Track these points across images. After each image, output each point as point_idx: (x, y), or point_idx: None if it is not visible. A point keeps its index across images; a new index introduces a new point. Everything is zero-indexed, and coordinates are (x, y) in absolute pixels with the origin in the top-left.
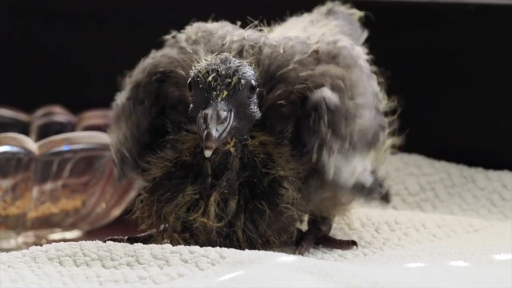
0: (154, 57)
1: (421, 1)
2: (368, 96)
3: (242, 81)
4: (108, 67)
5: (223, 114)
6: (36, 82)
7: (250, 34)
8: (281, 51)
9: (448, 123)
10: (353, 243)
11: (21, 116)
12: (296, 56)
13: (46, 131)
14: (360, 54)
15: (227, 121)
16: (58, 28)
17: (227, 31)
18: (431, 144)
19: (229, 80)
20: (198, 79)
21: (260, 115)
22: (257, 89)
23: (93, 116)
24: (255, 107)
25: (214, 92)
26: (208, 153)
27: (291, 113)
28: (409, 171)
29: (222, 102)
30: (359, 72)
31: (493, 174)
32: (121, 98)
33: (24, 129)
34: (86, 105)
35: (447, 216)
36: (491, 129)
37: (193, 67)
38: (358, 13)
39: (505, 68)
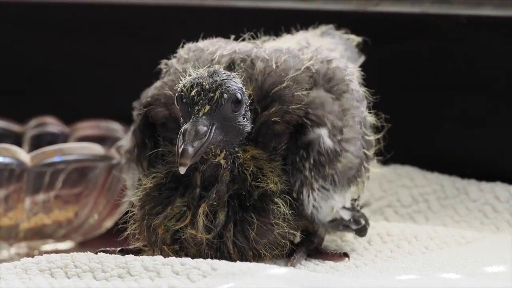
0: (149, 91)
1: (412, 12)
2: (356, 126)
3: (225, 95)
4: (101, 78)
5: (202, 129)
6: (29, 93)
7: (241, 47)
8: (274, 66)
9: (441, 134)
10: (345, 255)
11: (13, 126)
12: (290, 73)
13: (38, 141)
14: (353, 75)
15: (206, 137)
16: (51, 38)
17: (218, 47)
18: (423, 156)
19: (212, 94)
20: (182, 93)
21: (250, 127)
22: (246, 102)
23: (86, 127)
24: (244, 120)
25: (196, 107)
26: (182, 170)
27: (284, 131)
28: (402, 182)
29: (204, 117)
30: (349, 98)
31: (486, 186)
32: (127, 145)
33: (16, 139)
34: (79, 115)
35: (439, 228)
36: (484, 141)
37: (180, 82)
38: (356, 39)
39: (497, 79)
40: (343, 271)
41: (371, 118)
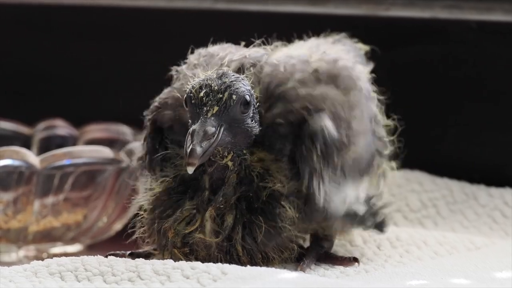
0: (159, 97)
1: (423, 17)
2: (365, 121)
3: (234, 97)
4: (111, 81)
5: (211, 130)
6: (38, 95)
7: (252, 53)
8: (282, 69)
9: (450, 139)
10: (354, 260)
11: (22, 129)
12: (296, 75)
13: (47, 144)
14: (361, 74)
15: (215, 137)
16: (62, 41)
17: (229, 52)
18: (433, 161)
19: (221, 95)
20: (191, 94)
21: (258, 129)
22: (254, 104)
23: (95, 130)
24: (253, 122)
25: (205, 108)
26: (190, 170)
27: (289, 132)
28: (411, 187)
29: (212, 118)
30: (358, 95)
31: (495, 191)
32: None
33: (25, 142)
34: (88, 118)
35: (448, 234)
36: (493, 146)
37: (189, 83)
38: (364, 47)
39: (506, 84)
40: (353, 276)
41: (383, 118)
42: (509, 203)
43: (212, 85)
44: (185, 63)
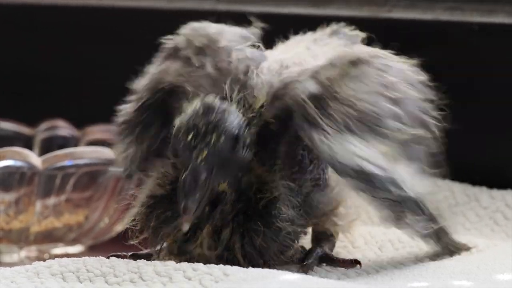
0: (157, 71)
1: (424, 19)
2: (372, 83)
3: (222, 138)
4: (112, 81)
5: (202, 178)
6: (39, 96)
7: (253, 51)
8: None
9: (452, 141)
10: (356, 262)
11: (24, 129)
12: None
13: (49, 145)
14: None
15: (206, 185)
16: (63, 42)
17: (229, 41)
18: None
19: (209, 138)
20: (180, 136)
21: (251, 155)
22: (243, 133)
23: (96, 131)
24: (244, 150)
25: (194, 153)
26: (186, 227)
27: (281, 130)
28: None
29: (202, 163)
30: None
31: (497, 193)
32: (126, 115)
33: (27, 143)
34: (90, 119)
35: None
36: (495, 148)
37: (176, 118)
38: (361, 35)
39: (508, 87)
40: (354, 278)
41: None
42: (510, 205)
43: (199, 125)
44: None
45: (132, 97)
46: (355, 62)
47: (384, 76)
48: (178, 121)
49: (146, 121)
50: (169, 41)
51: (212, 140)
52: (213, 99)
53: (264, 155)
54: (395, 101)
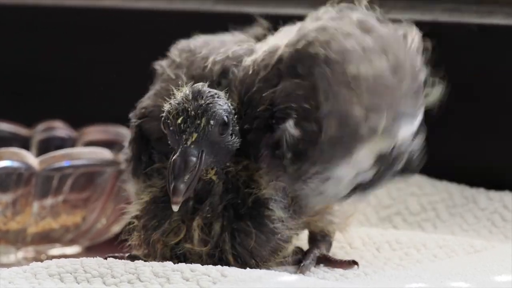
0: (143, 101)
1: (423, 20)
2: (333, 94)
3: (212, 122)
4: (109, 83)
5: (192, 160)
6: (37, 97)
7: (235, 50)
8: (250, 72)
9: (450, 143)
10: (354, 263)
11: (21, 130)
12: (261, 73)
13: (46, 146)
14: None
15: (196, 168)
16: (61, 43)
17: (211, 49)
18: (432, 164)
19: (198, 121)
20: (169, 121)
21: (239, 142)
22: (233, 120)
23: (94, 132)
24: (233, 137)
25: (184, 136)
26: (175, 207)
27: (259, 138)
28: (410, 190)
29: (192, 146)
30: (321, 72)
31: (495, 194)
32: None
33: (24, 143)
34: (87, 120)
35: (448, 237)
36: (493, 150)
37: (165, 105)
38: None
39: (507, 88)
40: (352, 279)
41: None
42: (508, 206)
43: (189, 109)
44: (167, 57)
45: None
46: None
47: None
48: (167, 106)
49: (136, 154)
50: (158, 66)
51: (202, 124)
52: (202, 85)
53: (251, 150)
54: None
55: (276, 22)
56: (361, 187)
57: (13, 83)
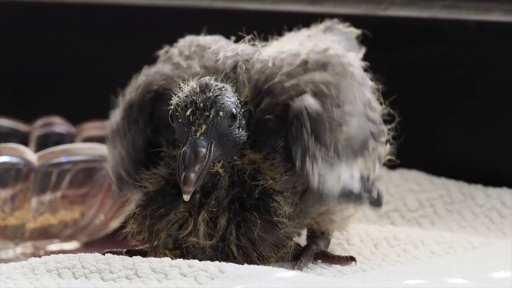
0: (148, 74)
1: (421, 17)
2: (358, 104)
3: (221, 113)
4: (108, 78)
5: (202, 151)
6: (36, 93)
7: (244, 49)
8: (271, 65)
9: (448, 139)
10: (351, 259)
11: (20, 126)
12: (284, 68)
13: (45, 141)
14: (352, 61)
15: (206, 158)
16: (59, 39)
17: (220, 46)
18: (430, 161)
19: (207, 113)
20: (177, 113)
21: (246, 136)
22: (240, 113)
23: (92, 127)
24: (240, 130)
25: (193, 128)
26: (186, 197)
27: (279, 127)
28: (409, 187)
29: (201, 138)
30: (349, 79)
31: (492, 191)
32: (115, 117)
33: (23, 139)
34: (86, 116)
35: (445, 233)
36: (491, 146)
37: (173, 98)
38: (355, 31)
39: (505, 85)
40: (350, 275)
41: (378, 106)
42: (506, 203)
43: (198, 101)
44: (175, 47)
45: (121, 102)
46: (341, 73)
47: (362, 90)
48: (175, 99)
49: (131, 119)
50: (164, 52)
51: (211, 115)
52: (209, 79)
53: (259, 145)
54: (369, 119)
55: (274, 19)
56: (347, 195)
57: (12, 79)
